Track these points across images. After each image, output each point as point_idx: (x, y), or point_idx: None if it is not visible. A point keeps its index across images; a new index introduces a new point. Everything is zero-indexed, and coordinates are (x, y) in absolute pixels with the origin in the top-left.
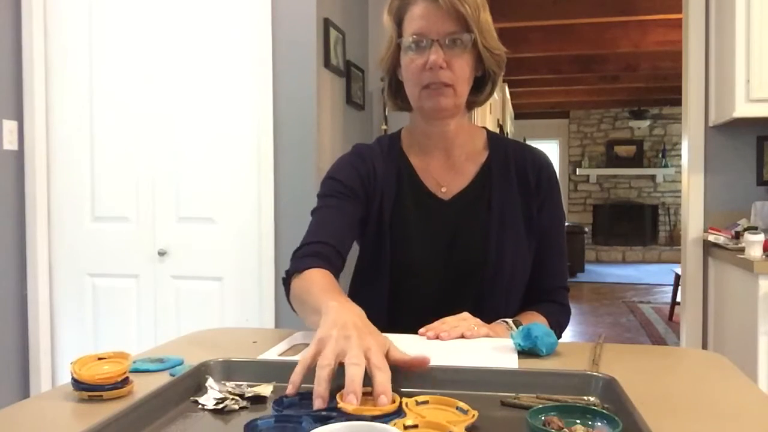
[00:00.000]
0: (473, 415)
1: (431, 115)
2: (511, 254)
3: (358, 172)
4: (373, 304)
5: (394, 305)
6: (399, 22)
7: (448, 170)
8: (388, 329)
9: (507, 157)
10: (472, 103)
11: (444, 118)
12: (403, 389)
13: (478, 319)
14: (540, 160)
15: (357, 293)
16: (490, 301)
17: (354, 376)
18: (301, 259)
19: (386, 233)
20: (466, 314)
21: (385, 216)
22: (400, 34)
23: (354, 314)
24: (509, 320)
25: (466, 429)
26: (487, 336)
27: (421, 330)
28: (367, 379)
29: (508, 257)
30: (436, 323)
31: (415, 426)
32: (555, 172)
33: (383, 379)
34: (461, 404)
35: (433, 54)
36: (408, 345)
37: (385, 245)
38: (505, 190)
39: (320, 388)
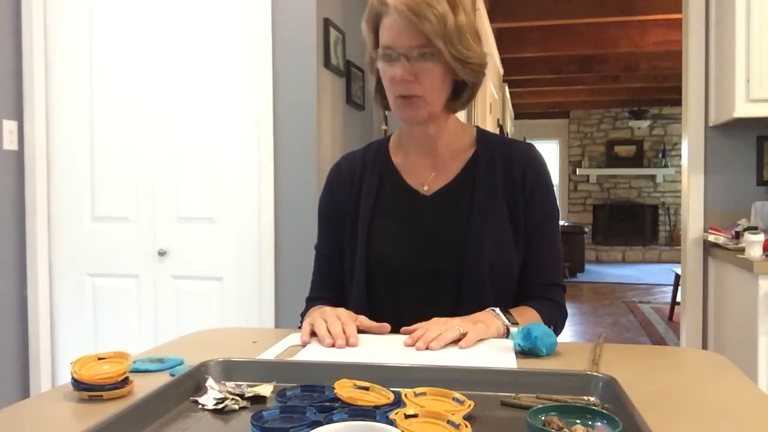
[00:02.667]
0: (469, 405)
1: (407, 123)
2: (492, 249)
3: (334, 195)
4: (355, 299)
5: (374, 299)
6: (375, 31)
7: (432, 169)
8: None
9: (493, 154)
10: (452, 108)
11: (420, 124)
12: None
13: (456, 319)
14: (527, 154)
15: (347, 290)
16: (471, 296)
17: (333, 329)
18: (309, 303)
19: (362, 231)
20: (443, 319)
21: (361, 216)
22: (377, 42)
23: (326, 308)
24: (497, 309)
25: (464, 418)
26: (479, 337)
27: (407, 341)
28: (364, 376)
29: (487, 252)
30: (418, 332)
31: (415, 415)
32: (544, 167)
33: (352, 330)
34: (457, 395)
35: (399, 68)
36: (398, 350)
37: (361, 242)
38: (488, 186)
39: (340, 341)
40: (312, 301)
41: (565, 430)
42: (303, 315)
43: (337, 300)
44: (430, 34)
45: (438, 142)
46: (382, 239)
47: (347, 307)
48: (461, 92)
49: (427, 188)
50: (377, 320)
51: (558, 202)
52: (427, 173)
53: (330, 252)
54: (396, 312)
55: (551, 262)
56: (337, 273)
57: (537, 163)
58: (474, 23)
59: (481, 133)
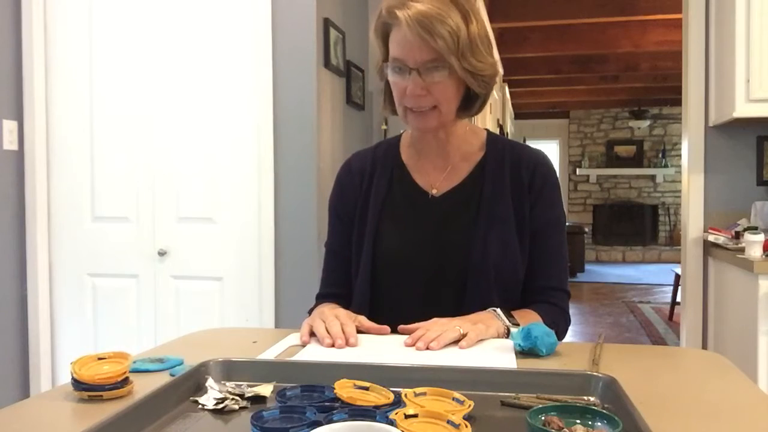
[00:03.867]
0: (469, 405)
1: (416, 132)
2: (497, 253)
3: (344, 193)
4: (358, 296)
5: (377, 297)
6: (384, 41)
7: (442, 171)
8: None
9: (502, 157)
10: (463, 116)
11: (430, 132)
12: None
13: (457, 319)
14: (535, 159)
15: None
16: (475, 298)
17: (332, 329)
18: (319, 300)
19: (369, 229)
20: (443, 319)
21: (369, 214)
22: (386, 53)
23: (327, 307)
24: (498, 309)
25: (464, 418)
26: (479, 337)
27: (407, 341)
28: (364, 376)
29: (492, 255)
30: (419, 332)
31: (415, 415)
32: (552, 172)
33: (351, 330)
34: (457, 395)
35: (411, 83)
36: (398, 350)
37: (368, 240)
38: (496, 189)
39: (339, 341)
40: (322, 297)
41: (565, 430)
42: (311, 312)
43: (346, 297)
44: (443, 51)
45: (448, 145)
46: (389, 238)
47: (353, 299)
48: (473, 100)
49: (435, 190)
50: (379, 318)
51: None
52: (436, 174)
53: (340, 249)
54: (399, 311)
55: (556, 267)
56: (346, 270)
57: (545, 168)
58: (485, 29)
59: (491, 136)
